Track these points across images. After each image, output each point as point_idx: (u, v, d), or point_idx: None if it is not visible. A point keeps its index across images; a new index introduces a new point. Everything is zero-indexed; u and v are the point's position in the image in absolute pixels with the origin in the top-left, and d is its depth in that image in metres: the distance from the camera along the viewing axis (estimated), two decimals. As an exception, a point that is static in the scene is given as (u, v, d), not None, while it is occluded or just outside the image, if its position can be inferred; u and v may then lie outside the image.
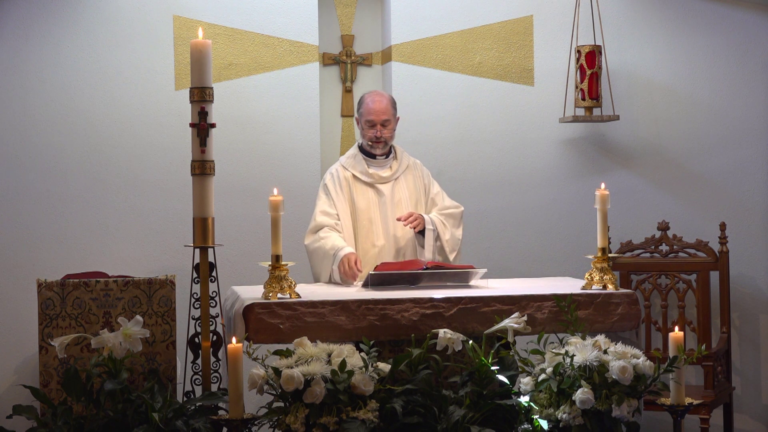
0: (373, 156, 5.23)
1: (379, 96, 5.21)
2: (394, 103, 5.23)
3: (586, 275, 4.59)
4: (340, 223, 5.12)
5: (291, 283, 4.37)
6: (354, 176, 5.21)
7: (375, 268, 4.76)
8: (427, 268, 4.69)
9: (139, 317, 4.26)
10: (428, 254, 5.06)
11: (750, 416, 6.16)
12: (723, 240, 5.87)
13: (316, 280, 5.10)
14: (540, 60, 6.21)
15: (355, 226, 5.16)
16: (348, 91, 6.24)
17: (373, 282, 4.66)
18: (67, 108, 5.83)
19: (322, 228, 5.09)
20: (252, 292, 4.49)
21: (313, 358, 4.05)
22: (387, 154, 5.26)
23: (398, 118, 5.26)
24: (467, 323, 4.34)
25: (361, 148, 5.26)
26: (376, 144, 5.18)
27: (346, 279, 4.88)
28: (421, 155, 5.55)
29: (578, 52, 6.03)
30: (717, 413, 5.73)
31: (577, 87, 6.05)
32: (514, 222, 6.20)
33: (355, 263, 4.88)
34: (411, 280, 4.72)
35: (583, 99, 6.03)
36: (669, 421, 4.35)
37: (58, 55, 5.81)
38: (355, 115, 5.28)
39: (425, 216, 5.11)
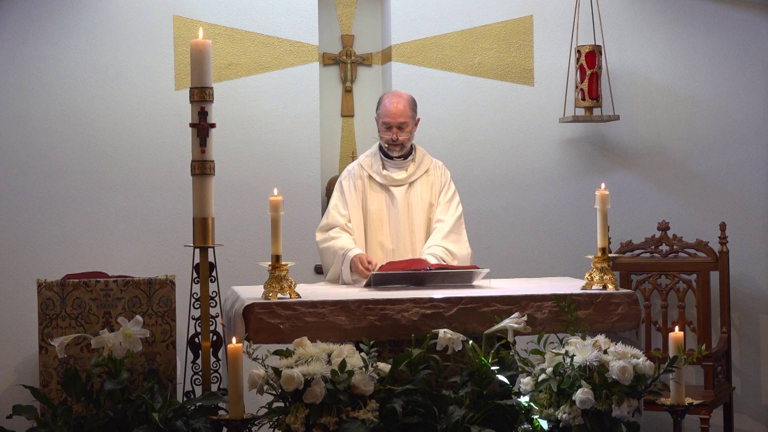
0: (391, 156, 5.16)
1: (397, 98, 5.08)
2: (413, 105, 5.11)
3: (586, 275, 4.59)
4: (351, 225, 5.10)
5: (291, 283, 4.37)
6: (370, 176, 5.16)
7: (380, 267, 4.75)
8: (429, 269, 4.68)
9: (139, 317, 4.26)
10: None
11: (750, 416, 6.16)
12: (723, 240, 5.87)
13: (326, 275, 5.11)
14: (540, 60, 6.21)
15: (366, 227, 5.13)
16: (348, 91, 6.24)
17: (375, 282, 4.65)
18: (67, 108, 5.83)
19: (334, 228, 5.08)
20: (252, 292, 4.49)
21: (313, 358, 4.04)
22: (406, 155, 5.17)
23: (418, 119, 5.15)
24: (467, 323, 4.34)
25: (381, 147, 5.20)
26: (393, 147, 5.10)
27: (360, 278, 4.87)
28: (421, 155, 5.55)
29: (578, 52, 6.03)
30: (717, 413, 5.73)
31: (577, 87, 6.05)
32: (514, 222, 6.20)
33: (368, 262, 4.88)
34: (414, 280, 4.71)
35: (583, 99, 6.03)
36: (669, 421, 4.35)
37: (58, 55, 5.81)
38: (374, 114, 5.20)
39: (430, 258, 4.90)
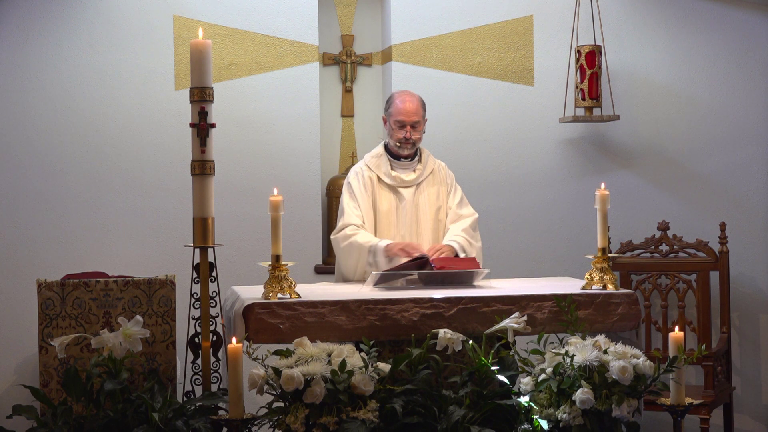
0: (398, 157, 5.14)
1: (410, 96, 5.08)
2: (424, 105, 5.11)
3: (586, 275, 4.59)
4: (366, 223, 5.05)
5: (291, 283, 4.37)
6: (378, 178, 5.12)
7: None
8: (432, 268, 4.68)
9: (139, 317, 4.26)
10: None
11: (750, 416, 6.16)
12: (723, 240, 5.87)
13: (345, 279, 5.03)
14: (540, 60, 6.21)
15: (376, 228, 5.09)
16: (348, 91, 6.24)
17: (379, 279, 4.65)
18: (67, 108, 5.83)
19: (349, 226, 5.00)
20: (252, 292, 4.49)
21: (313, 358, 4.05)
22: (413, 156, 5.16)
23: (426, 120, 5.15)
24: (467, 323, 4.34)
25: (387, 149, 5.17)
26: (405, 145, 5.08)
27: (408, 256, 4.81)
28: (421, 155, 5.55)
29: (578, 52, 6.03)
30: (717, 413, 5.73)
31: (577, 87, 6.05)
32: (514, 222, 6.20)
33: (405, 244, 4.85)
34: (420, 276, 4.71)
35: (583, 99, 6.03)
36: (669, 421, 4.35)
37: (58, 55, 5.81)
38: (383, 114, 5.17)
39: (454, 244, 4.96)
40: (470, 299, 4.38)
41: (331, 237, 5.09)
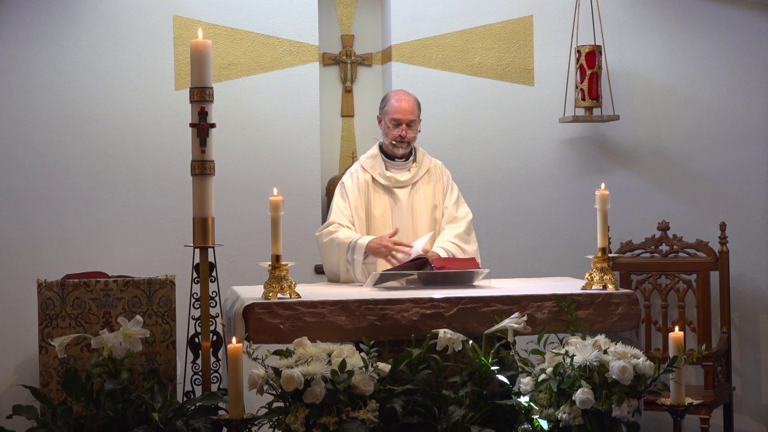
0: (392, 157, 5.13)
1: (406, 95, 5.08)
2: (419, 104, 5.11)
3: (586, 275, 4.59)
4: (355, 225, 5.04)
5: (291, 283, 4.37)
6: (373, 179, 5.12)
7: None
8: (432, 267, 4.68)
9: (139, 317, 4.26)
10: None
11: (750, 416, 6.16)
12: (723, 240, 5.87)
13: (334, 279, 5.02)
14: (540, 60, 6.21)
15: (369, 230, 5.09)
16: (348, 91, 6.24)
17: (379, 281, 4.65)
18: (67, 108, 5.83)
19: (333, 224, 5.00)
20: (252, 292, 4.49)
21: (313, 358, 4.05)
22: (407, 156, 5.15)
23: (421, 120, 5.14)
24: (467, 323, 4.34)
25: (382, 149, 5.17)
26: (400, 144, 5.07)
27: (386, 257, 4.80)
28: (421, 155, 5.54)
29: (578, 52, 6.03)
30: (717, 413, 5.73)
31: (577, 87, 6.05)
32: (514, 222, 6.20)
33: (389, 239, 4.81)
34: (420, 276, 4.71)
35: (583, 99, 6.03)
36: (669, 421, 4.36)
37: (58, 55, 5.81)
38: (378, 113, 5.16)
39: (441, 251, 4.95)
40: (470, 299, 4.38)
41: (315, 234, 5.09)
